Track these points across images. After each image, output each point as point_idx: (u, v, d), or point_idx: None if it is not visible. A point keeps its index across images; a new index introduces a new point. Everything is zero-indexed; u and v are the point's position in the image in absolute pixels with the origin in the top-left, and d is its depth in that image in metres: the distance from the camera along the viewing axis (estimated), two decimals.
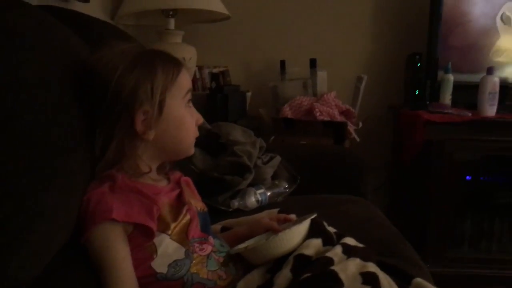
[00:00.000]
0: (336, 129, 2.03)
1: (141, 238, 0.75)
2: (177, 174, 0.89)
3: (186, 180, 0.90)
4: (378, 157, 2.35)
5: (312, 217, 0.87)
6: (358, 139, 2.07)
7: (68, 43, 0.86)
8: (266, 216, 0.98)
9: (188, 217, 0.81)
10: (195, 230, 0.81)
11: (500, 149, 2.00)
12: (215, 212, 1.41)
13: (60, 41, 0.83)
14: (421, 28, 2.18)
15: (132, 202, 0.75)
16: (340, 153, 1.84)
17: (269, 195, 1.53)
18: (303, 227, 0.85)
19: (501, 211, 2.11)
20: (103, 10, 1.96)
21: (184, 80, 0.84)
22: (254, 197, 1.49)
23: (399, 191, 2.33)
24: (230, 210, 1.43)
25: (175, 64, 0.83)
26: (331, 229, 0.92)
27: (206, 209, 0.89)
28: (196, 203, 0.87)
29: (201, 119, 0.86)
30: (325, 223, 0.90)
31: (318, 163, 1.75)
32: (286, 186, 1.60)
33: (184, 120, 0.83)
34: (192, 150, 0.86)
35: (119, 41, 0.84)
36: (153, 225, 0.74)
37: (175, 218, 0.79)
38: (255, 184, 1.52)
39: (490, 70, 1.97)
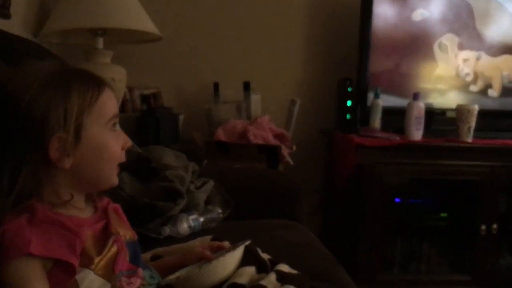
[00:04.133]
0: (270, 153, 2.03)
1: (62, 275, 0.69)
2: (104, 201, 0.82)
3: (115, 207, 0.83)
4: (312, 180, 2.38)
5: (246, 244, 0.84)
6: (292, 163, 2.08)
7: None
8: (199, 244, 0.94)
9: (114, 249, 0.75)
10: (123, 263, 0.75)
11: (427, 172, 2.08)
12: (146, 240, 1.34)
13: None
14: (352, 54, 2.25)
15: (52, 236, 0.69)
16: (274, 177, 1.83)
17: (202, 221, 1.48)
18: (236, 254, 0.83)
19: (429, 233, 2.19)
20: (25, 27, 1.86)
21: (107, 103, 0.77)
22: (187, 223, 1.43)
23: (332, 215, 2.35)
24: (162, 237, 1.36)
25: (96, 85, 0.76)
26: (265, 256, 0.90)
27: (136, 238, 0.83)
28: (125, 232, 0.81)
29: (129, 142, 0.80)
30: (259, 250, 0.88)
31: (252, 187, 1.73)
32: (220, 211, 1.56)
33: (107, 147, 0.76)
34: (116, 180, 0.79)
35: (38, 59, 0.78)
36: (75, 261, 0.69)
37: (100, 251, 0.73)
38: (187, 209, 1.47)
39: (416, 96, 2.05)
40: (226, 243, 0.91)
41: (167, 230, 1.39)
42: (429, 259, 2.19)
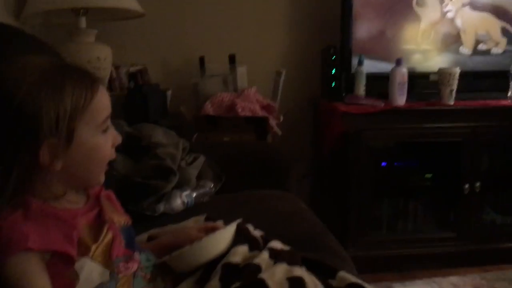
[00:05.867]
0: (258, 124, 2.06)
1: (61, 265, 0.71)
2: (97, 188, 0.83)
3: (107, 194, 0.85)
4: (301, 148, 2.42)
5: (237, 222, 0.88)
6: (280, 133, 2.12)
7: None
8: (193, 225, 0.98)
9: (110, 235, 0.77)
10: (119, 248, 0.78)
11: (411, 135, 2.14)
12: (141, 218, 1.39)
13: None
14: (335, 21, 2.25)
15: (48, 228, 0.70)
16: (263, 149, 1.88)
17: (195, 196, 1.52)
18: (228, 232, 0.86)
19: (415, 194, 2.26)
20: (5, 9, 1.84)
21: (101, 105, 0.75)
22: (180, 200, 1.48)
23: (321, 181, 2.41)
24: (156, 214, 1.41)
25: (89, 85, 0.73)
26: (258, 233, 0.93)
27: (130, 223, 0.86)
28: (119, 218, 0.83)
29: (118, 139, 0.80)
30: (251, 227, 0.92)
31: (242, 159, 1.77)
32: (212, 185, 1.60)
33: (98, 149, 0.76)
34: (102, 179, 0.80)
35: (26, 52, 0.78)
36: (72, 252, 0.71)
37: (95, 239, 0.75)
38: (180, 186, 1.51)
39: (399, 62, 2.08)
40: (220, 223, 0.95)
41: (161, 208, 1.43)
42: (416, 219, 2.27)
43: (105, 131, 0.77)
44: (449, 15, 2.27)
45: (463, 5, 2.27)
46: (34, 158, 0.70)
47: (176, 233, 0.94)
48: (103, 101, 0.76)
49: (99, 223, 0.78)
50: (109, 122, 0.78)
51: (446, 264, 2.16)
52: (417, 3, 2.24)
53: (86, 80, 0.74)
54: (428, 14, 2.26)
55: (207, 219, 1.02)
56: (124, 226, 0.83)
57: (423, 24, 2.27)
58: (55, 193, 0.74)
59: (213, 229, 0.90)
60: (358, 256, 2.05)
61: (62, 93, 0.70)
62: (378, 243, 2.18)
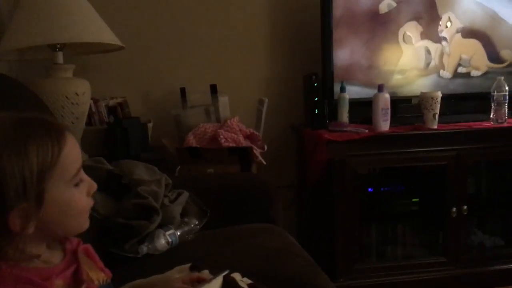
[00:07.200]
0: (242, 155, 2.03)
1: None
2: (74, 242, 0.79)
3: (85, 248, 0.80)
4: (286, 176, 2.39)
5: (224, 274, 0.84)
6: (264, 163, 2.08)
7: None
8: (178, 275, 0.93)
9: None
10: None
11: (396, 160, 2.12)
12: (123, 260, 1.34)
13: None
14: (316, 48, 2.24)
15: None
16: (248, 180, 1.84)
17: (179, 234, 1.48)
18: (214, 285, 0.83)
19: (403, 220, 2.24)
20: None
21: (70, 158, 0.70)
22: (164, 239, 1.43)
23: (308, 208, 2.38)
24: (139, 256, 1.37)
25: (56, 139, 0.68)
26: (246, 280, 0.90)
27: (109, 279, 0.82)
28: (98, 275, 0.79)
29: (93, 187, 0.75)
30: (238, 277, 0.88)
31: (227, 192, 1.74)
32: (196, 222, 1.56)
33: (72, 203, 0.71)
34: (86, 225, 0.75)
35: None
36: None
37: None
38: (163, 224, 1.46)
39: (380, 88, 2.08)
40: (206, 272, 0.90)
41: (144, 249, 1.38)
42: (405, 244, 2.24)
43: (77, 184, 0.72)
44: (443, 42, 2.29)
45: (457, 31, 2.29)
46: (3, 226, 0.65)
47: (160, 285, 0.89)
48: (72, 153, 0.71)
49: (76, 281, 0.73)
50: (81, 174, 0.73)
51: None
52: (403, 39, 2.25)
53: (52, 134, 0.69)
54: (412, 47, 2.28)
55: (192, 268, 0.97)
56: (104, 284, 0.79)
57: (406, 54, 2.28)
58: (29, 255, 0.69)
59: (199, 280, 0.87)
60: (349, 285, 2.03)
61: (26, 154, 0.65)
62: (368, 271, 2.13)
